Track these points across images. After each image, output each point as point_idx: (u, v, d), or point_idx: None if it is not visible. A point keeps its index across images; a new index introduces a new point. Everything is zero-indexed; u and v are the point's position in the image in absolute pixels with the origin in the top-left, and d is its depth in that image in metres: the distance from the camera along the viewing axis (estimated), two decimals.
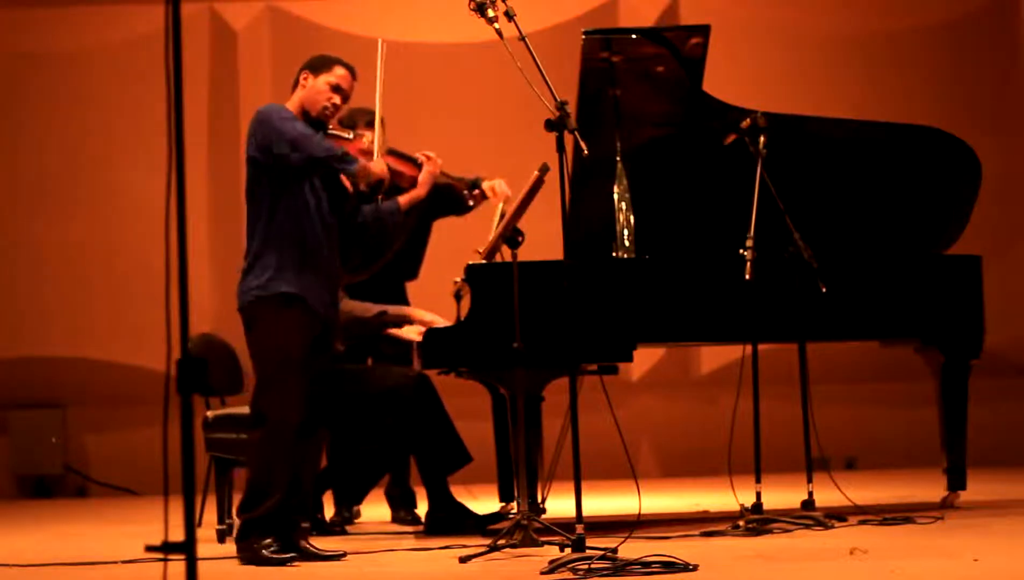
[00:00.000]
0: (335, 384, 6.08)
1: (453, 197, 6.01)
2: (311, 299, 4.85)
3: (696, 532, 5.18)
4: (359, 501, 6.49)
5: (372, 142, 5.13)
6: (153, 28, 9.12)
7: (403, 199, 5.19)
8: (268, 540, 4.73)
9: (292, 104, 5.01)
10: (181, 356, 2.72)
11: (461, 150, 9.25)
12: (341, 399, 6.09)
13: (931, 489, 6.26)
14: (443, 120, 9.35)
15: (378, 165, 5.04)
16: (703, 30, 5.78)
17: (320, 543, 4.96)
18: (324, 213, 4.94)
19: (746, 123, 5.39)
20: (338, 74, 4.99)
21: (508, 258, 5.12)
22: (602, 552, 4.16)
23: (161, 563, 2.85)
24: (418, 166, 5.27)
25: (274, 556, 4.70)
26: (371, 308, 6.06)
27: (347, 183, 5.08)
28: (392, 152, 5.28)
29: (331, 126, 5.05)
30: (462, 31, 8.47)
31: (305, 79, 5.01)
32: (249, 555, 4.73)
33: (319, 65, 5.02)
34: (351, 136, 5.10)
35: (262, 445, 4.81)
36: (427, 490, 5.99)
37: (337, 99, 4.99)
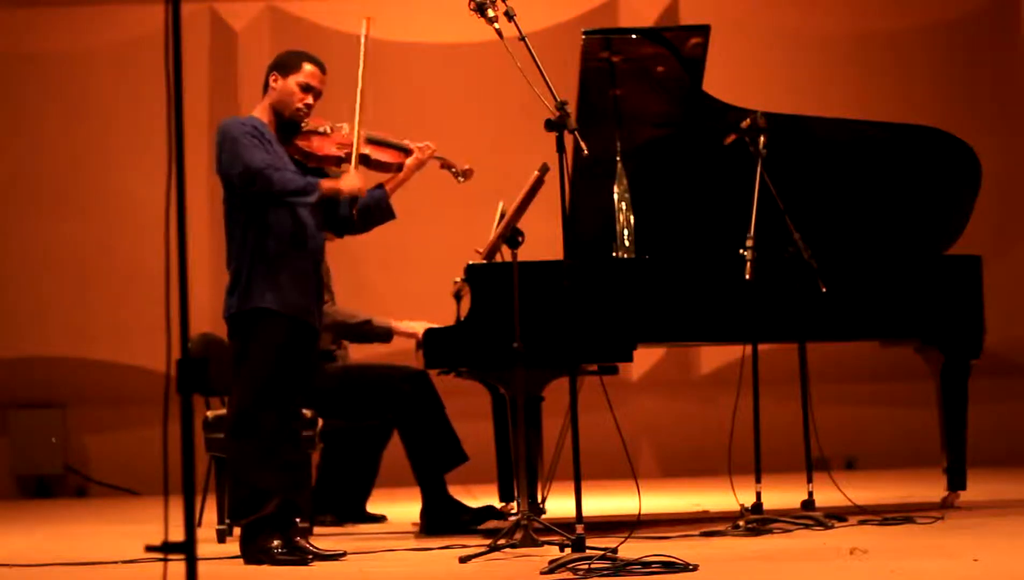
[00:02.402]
0: (334, 382, 6.11)
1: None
2: (291, 310, 4.82)
3: (696, 532, 5.18)
4: (362, 504, 6.51)
5: (350, 134, 5.01)
6: (153, 28, 9.13)
7: (389, 185, 5.12)
8: (277, 542, 4.72)
9: (263, 108, 4.95)
10: (181, 356, 2.72)
11: (461, 151, 9.26)
12: (341, 396, 6.11)
13: (931, 489, 6.26)
14: (443, 120, 9.35)
15: (349, 181, 4.91)
16: (703, 30, 5.78)
17: (320, 543, 4.96)
18: (302, 217, 4.89)
19: (746, 123, 5.39)
20: (307, 72, 4.92)
21: (508, 258, 5.11)
22: (602, 552, 4.16)
23: (161, 563, 2.85)
24: (405, 152, 5.19)
25: (287, 557, 4.69)
26: (357, 315, 6.14)
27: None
28: (373, 140, 5.18)
29: (305, 123, 4.99)
30: (462, 31, 8.47)
31: (275, 81, 4.94)
32: (260, 557, 4.71)
33: (286, 64, 4.94)
34: (328, 129, 5.04)
35: (242, 452, 4.81)
36: (422, 489, 5.99)
37: (309, 99, 4.92)
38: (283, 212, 4.84)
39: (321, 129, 5.00)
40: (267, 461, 4.77)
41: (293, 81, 4.92)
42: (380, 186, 5.12)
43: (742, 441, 5.52)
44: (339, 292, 6.37)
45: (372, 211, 5.08)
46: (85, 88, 9.51)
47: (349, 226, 5.12)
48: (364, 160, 5.03)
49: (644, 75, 5.86)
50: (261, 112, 4.96)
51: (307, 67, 4.94)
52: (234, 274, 4.86)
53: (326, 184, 4.90)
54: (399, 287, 9.01)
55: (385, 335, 6.19)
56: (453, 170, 5.42)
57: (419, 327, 5.84)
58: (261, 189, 4.77)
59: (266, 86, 4.98)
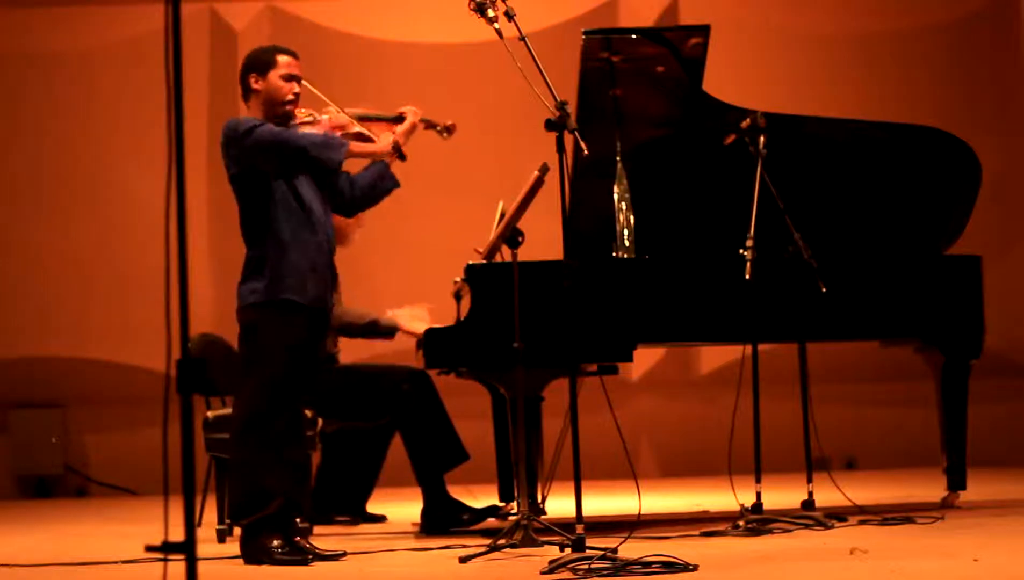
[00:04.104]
0: (335, 382, 6.11)
1: None
2: (309, 301, 4.83)
3: (696, 532, 5.18)
4: (363, 504, 6.51)
5: (339, 113, 5.02)
6: (153, 28, 9.13)
7: (389, 159, 5.11)
8: (277, 542, 4.72)
9: (254, 110, 4.95)
10: (181, 356, 2.72)
11: (461, 150, 9.28)
12: (341, 397, 6.11)
13: (931, 489, 6.26)
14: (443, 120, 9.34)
15: (384, 141, 4.99)
16: (703, 30, 5.78)
17: (320, 543, 4.96)
18: (316, 205, 4.91)
19: (746, 123, 5.39)
20: (284, 63, 4.93)
21: (508, 258, 5.11)
22: (602, 552, 4.16)
23: (161, 563, 2.85)
24: (396, 121, 5.13)
25: (287, 557, 4.69)
26: (364, 315, 6.20)
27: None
28: (362, 117, 5.12)
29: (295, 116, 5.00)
30: (462, 31, 8.47)
31: (255, 82, 4.93)
32: (260, 556, 4.71)
33: (262, 62, 4.94)
34: (315, 117, 5.03)
35: (249, 453, 4.80)
36: (423, 489, 6.00)
37: (295, 86, 4.93)
38: (292, 199, 4.85)
39: (309, 118, 5.01)
40: (273, 462, 4.76)
41: (275, 76, 4.92)
42: (383, 163, 5.14)
43: (742, 441, 5.52)
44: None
45: (377, 184, 5.11)
46: (85, 88, 9.51)
47: (356, 204, 5.14)
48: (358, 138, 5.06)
49: (644, 75, 5.86)
50: (253, 114, 4.96)
51: (282, 58, 4.95)
52: (253, 262, 4.86)
53: (356, 146, 4.95)
54: (399, 287, 8.98)
55: (390, 333, 6.22)
56: (437, 128, 5.39)
57: (421, 328, 5.86)
58: (316, 156, 4.82)
59: (246, 92, 4.98)
